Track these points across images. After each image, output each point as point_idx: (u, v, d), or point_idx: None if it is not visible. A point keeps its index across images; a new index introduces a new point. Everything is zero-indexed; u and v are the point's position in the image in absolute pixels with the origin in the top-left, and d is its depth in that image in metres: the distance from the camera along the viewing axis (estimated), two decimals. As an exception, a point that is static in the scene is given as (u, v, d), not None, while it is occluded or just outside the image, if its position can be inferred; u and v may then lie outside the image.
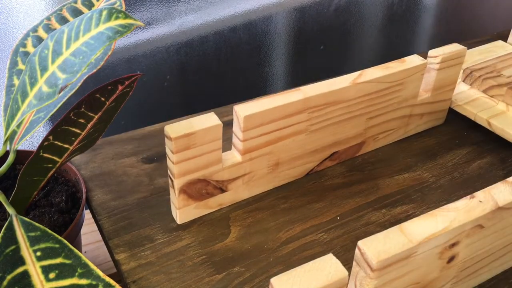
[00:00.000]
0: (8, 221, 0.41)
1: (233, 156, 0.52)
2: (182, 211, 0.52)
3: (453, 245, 0.39)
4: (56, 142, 0.44)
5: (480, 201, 0.40)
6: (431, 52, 0.61)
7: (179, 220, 0.52)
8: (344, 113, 0.56)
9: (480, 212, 0.39)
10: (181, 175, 0.49)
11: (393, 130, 0.64)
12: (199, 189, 0.51)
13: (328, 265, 0.35)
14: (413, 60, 0.59)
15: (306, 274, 0.34)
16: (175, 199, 0.50)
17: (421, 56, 0.61)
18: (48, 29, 0.49)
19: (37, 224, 0.41)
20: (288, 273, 0.34)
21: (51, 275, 0.37)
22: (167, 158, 0.49)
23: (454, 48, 0.62)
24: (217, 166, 0.51)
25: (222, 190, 0.53)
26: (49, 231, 0.40)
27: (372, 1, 0.99)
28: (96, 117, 0.44)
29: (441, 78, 0.63)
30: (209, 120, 0.48)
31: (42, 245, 0.39)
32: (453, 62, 0.62)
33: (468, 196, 0.40)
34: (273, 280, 0.34)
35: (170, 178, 0.50)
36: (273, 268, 0.48)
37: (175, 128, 0.47)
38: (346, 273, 0.35)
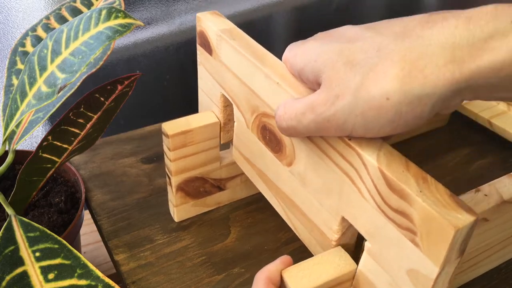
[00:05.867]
0: (7, 221, 0.41)
1: (231, 154, 0.52)
2: (180, 208, 0.51)
3: None
4: (55, 142, 0.43)
5: (485, 195, 0.40)
6: None
7: (176, 218, 0.52)
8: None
9: (485, 205, 0.39)
10: (178, 173, 0.49)
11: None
12: (197, 187, 0.51)
13: (337, 258, 0.36)
14: None
15: (316, 267, 0.35)
16: (173, 196, 0.50)
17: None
18: (47, 28, 0.49)
19: (36, 225, 0.41)
20: (298, 265, 0.35)
21: (50, 276, 0.37)
22: (165, 156, 0.49)
23: None
24: (215, 164, 0.51)
25: (220, 189, 0.53)
26: (48, 231, 0.40)
27: (373, 0, 0.98)
28: (95, 117, 0.44)
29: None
30: (206, 117, 0.48)
31: (41, 246, 0.39)
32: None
33: (473, 190, 0.40)
34: (284, 273, 0.34)
35: (168, 176, 0.50)
36: (273, 269, 0.48)
37: (172, 126, 0.47)
38: (355, 265, 0.35)
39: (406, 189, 0.28)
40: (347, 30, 0.32)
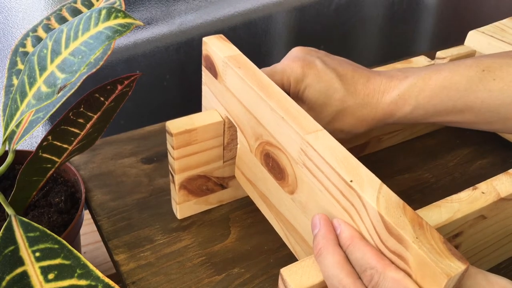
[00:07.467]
0: (7, 221, 0.41)
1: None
2: (182, 206, 0.51)
3: (456, 235, 0.40)
4: (55, 142, 0.43)
5: (483, 192, 0.40)
6: (439, 54, 0.61)
7: (179, 215, 0.52)
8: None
9: (483, 203, 0.39)
10: (181, 171, 0.49)
11: (399, 131, 0.63)
12: (200, 185, 0.51)
13: None
14: (420, 60, 0.59)
15: (315, 265, 0.35)
16: (176, 194, 0.50)
17: (426, 56, 0.61)
18: (48, 29, 0.49)
19: (36, 225, 0.41)
20: (297, 264, 0.35)
21: (50, 276, 0.37)
22: (168, 154, 0.49)
23: (462, 49, 0.62)
24: (218, 162, 0.51)
25: (223, 187, 0.53)
26: (48, 231, 0.40)
27: (373, 0, 0.98)
28: (95, 117, 0.44)
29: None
30: (210, 116, 0.48)
31: (41, 246, 0.39)
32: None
33: (471, 188, 0.41)
34: (283, 271, 0.34)
35: (171, 174, 0.50)
36: (273, 269, 0.48)
37: (176, 124, 0.47)
38: None
39: (403, 235, 0.30)
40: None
